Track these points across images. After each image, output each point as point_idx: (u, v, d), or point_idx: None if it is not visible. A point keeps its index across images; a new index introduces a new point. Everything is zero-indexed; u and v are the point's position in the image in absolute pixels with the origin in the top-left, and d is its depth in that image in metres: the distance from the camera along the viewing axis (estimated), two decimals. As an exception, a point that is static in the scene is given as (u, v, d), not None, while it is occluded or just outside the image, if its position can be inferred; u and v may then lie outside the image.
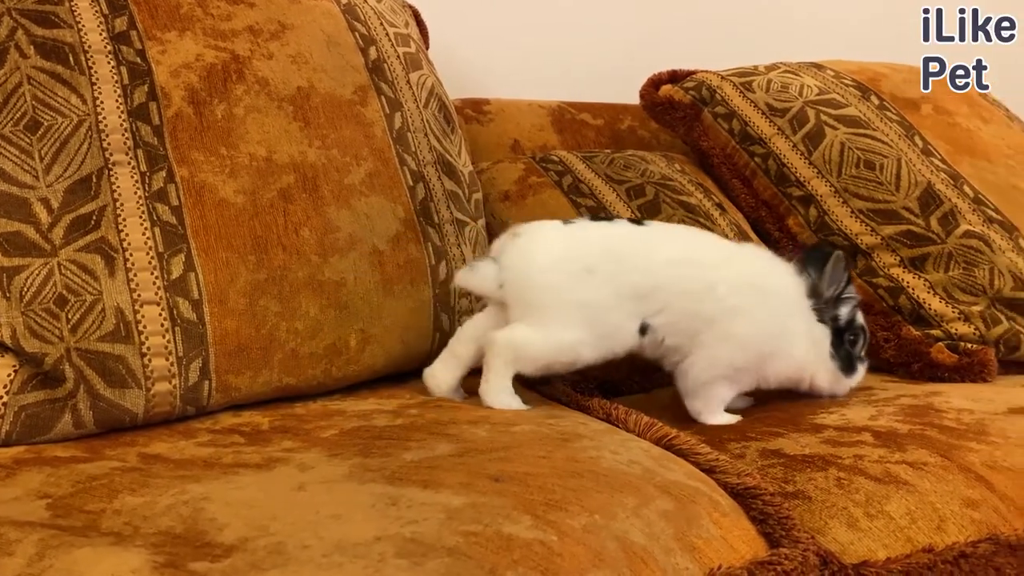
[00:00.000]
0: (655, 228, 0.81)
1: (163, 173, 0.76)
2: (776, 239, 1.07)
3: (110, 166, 0.75)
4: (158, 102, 0.79)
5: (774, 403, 0.83)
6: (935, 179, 1.03)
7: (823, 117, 1.07)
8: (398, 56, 0.96)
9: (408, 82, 0.95)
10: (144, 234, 0.73)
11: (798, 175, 1.06)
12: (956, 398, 0.79)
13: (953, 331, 0.95)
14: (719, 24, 1.53)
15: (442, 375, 0.78)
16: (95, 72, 0.78)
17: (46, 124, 0.74)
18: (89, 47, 0.79)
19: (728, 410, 0.80)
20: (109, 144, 0.76)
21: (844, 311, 0.81)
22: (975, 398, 0.79)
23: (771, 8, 1.58)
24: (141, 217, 0.74)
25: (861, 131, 1.06)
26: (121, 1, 0.83)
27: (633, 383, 0.93)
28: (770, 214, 1.08)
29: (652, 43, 1.46)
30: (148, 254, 0.73)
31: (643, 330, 0.76)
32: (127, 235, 0.73)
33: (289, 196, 0.80)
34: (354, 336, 0.80)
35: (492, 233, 1.02)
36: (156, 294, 0.72)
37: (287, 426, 0.70)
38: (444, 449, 0.60)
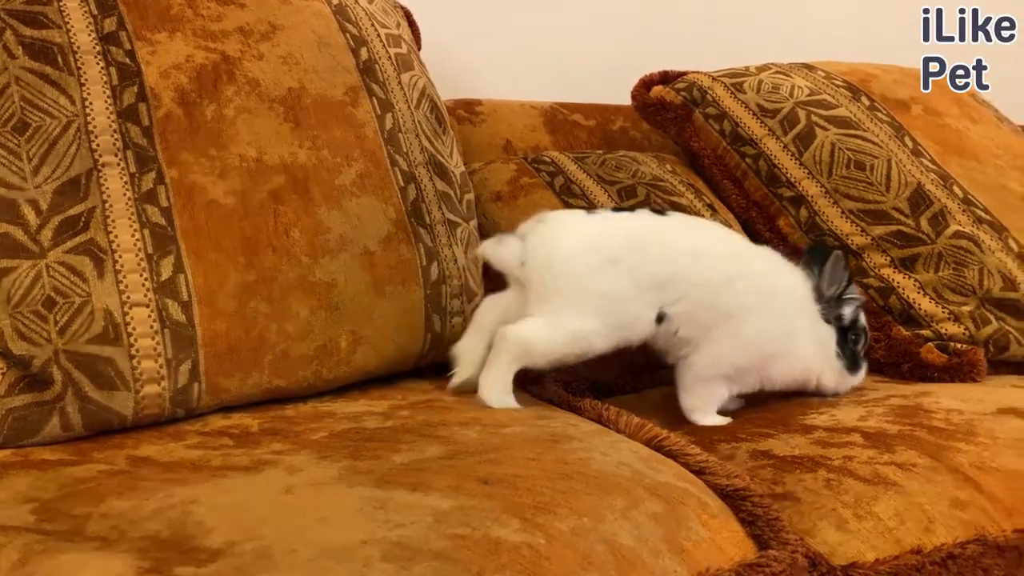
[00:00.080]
0: (676, 218, 0.82)
1: (153, 174, 0.76)
2: (767, 240, 1.07)
3: (99, 167, 0.75)
4: (148, 103, 0.79)
5: (764, 404, 0.83)
6: (925, 179, 1.03)
7: (814, 118, 1.08)
8: (389, 57, 0.96)
9: (399, 83, 0.95)
10: (133, 235, 0.73)
11: (789, 176, 1.06)
12: (946, 398, 0.79)
13: (943, 331, 0.95)
14: (712, 25, 1.53)
15: (472, 350, 0.78)
16: (84, 73, 0.78)
17: (34, 125, 0.73)
18: (78, 48, 0.78)
19: (720, 412, 0.80)
20: (98, 145, 0.75)
21: (848, 311, 0.82)
22: (964, 398, 0.79)
23: (764, 9, 1.58)
24: (130, 218, 0.74)
25: (851, 132, 1.07)
26: (111, 1, 0.82)
27: (624, 383, 0.93)
28: (761, 215, 1.08)
29: (644, 44, 1.46)
30: (137, 255, 0.73)
31: (660, 319, 0.76)
32: (116, 236, 0.72)
33: (279, 197, 0.80)
34: (345, 337, 0.79)
35: (484, 234, 1.02)
36: (145, 296, 0.71)
37: (277, 428, 0.69)
38: (434, 451, 0.60)
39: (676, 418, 0.81)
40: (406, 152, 0.90)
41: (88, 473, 0.58)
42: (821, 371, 0.82)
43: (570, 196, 1.04)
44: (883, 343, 0.96)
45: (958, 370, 0.90)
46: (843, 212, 1.02)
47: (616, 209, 0.81)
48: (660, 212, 0.82)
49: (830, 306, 0.81)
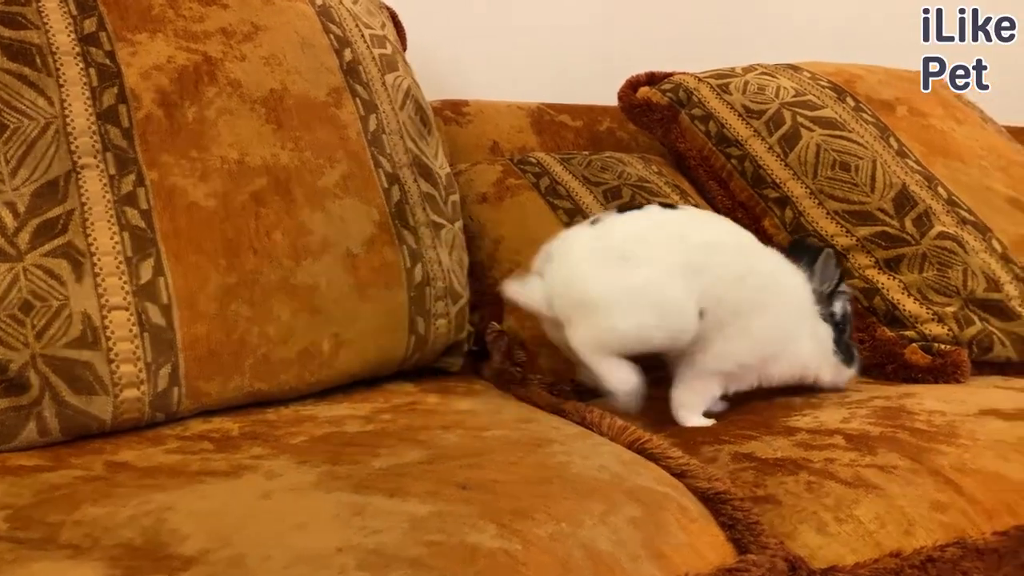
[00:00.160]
0: (688, 212, 0.81)
1: (132, 176, 0.76)
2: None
3: (78, 169, 0.74)
4: (128, 104, 0.78)
5: (748, 405, 0.83)
6: (910, 180, 1.04)
7: (799, 119, 1.08)
8: (373, 58, 0.96)
9: (384, 84, 0.95)
10: (112, 238, 0.72)
11: (774, 177, 1.06)
12: (929, 400, 0.79)
13: (927, 332, 0.96)
14: (702, 25, 1.53)
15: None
16: (63, 74, 0.77)
17: (12, 127, 0.73)
18: (57, 49, 0.78)
19: (705, 414, 0.80)
20: (77, 147, 0.75)
21: (838, 306, 0.84)
22: (947, 399, 0.80)
23: (753, 9, 1.58)
24: (109, 221, 0.73)
25: (837, 133, 1.07)
26: (91, 2, 0.82)
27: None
28: (746, 215, 1.08)
29: (633, 45, 1.46)
30: (116, 259, 0.72)
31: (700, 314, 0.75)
32: (95, 239, 0.72)
33: (261, 199, 0.79)
34: (327, 341, 0.79)
35: (470, 235, 1.02)
36: (124, 299, 0.71)
37: (257, 432, 0.69)
38: (414, 456, 0.60)
39: (660, 420, 0.81)
40: (390, 153, 0.90)
41: (64, 479, 0.58)
42: (818, 367, 0.83)
43: (555, 197, 1.04)
44: (868, 344, 0.96)
45: (942, 371, 0.90)
46: (828, 213, 1.02)
47: (622, 209, 0.80)
48: (671, 206, 0.81)
49: (824, 303, 0.83)
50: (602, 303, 0.74)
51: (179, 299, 0.73)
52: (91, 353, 0.68)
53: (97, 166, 0.75)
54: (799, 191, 1.04)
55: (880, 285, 0.99)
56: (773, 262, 0.82)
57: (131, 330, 0.70)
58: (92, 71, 0.78)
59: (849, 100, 1.12)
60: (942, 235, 0.99)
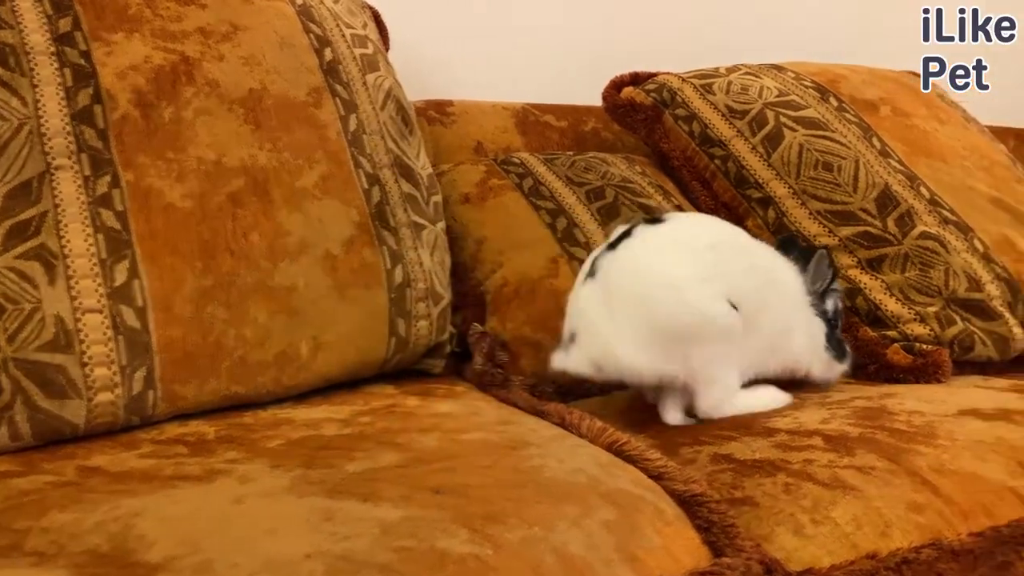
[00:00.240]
0: (676, 219, 0.80)
1: (108, 178, 0.75)
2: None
3: (52, 171, 0.73)
4: (103, 105, 0.77)
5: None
6: (892, 180, 1.04)
7: (782, 119, 1.08)
8: (354, 57, 0.95)
9: (364, 84, 0.94)
10: (87, 240, 0.72)
11: (757, 177, 1.06)
12: (909, 400, 0.79)
13: (909, 332, 0.96)
14: (688, 25, 1.53)
15: None
16: (37, 74, 0.76)
17: (-16, 128, 0.72)
18: (31, 48, 0.77)
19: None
20: (51, 148, 0.74)
21: (830, 303, 0.85)
22: (928, 400, 0.80)
23: (749, 9, 1.57)
24: (84, 223, 0.72)
25: (820, 133, 1.07)
26: (66, 2, 0.81)
27: (591, 386, 0.92)
28: (729, 216, 1.07)
29: (618, 44, 1.46)
30: (90, 261, 0.71)
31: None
32: (68, 241, 0.71)
33: (238, 200, 0.79)
34: (305, 343, 0.78)
35: (452, 236, 1.02)
36: (99, 302, 0.70)
37: (233, 436, 0.68)
38: (389, 459, 0.59)
39: (642, 421, 0.81)
40: (370, 154, 0.89)
41: (34, 485, 0.57)
42: (810, 362, 0.84)
43: (538, 198, 1.03)
44: (850, 344, 0.95)
45: (923, 371, 0.91)
46: (811, 213, 1.02)
47: (611, 246, 0.79)
48: (657, 220, 0.80)
49: (817, 300, 0.84)
50: (684, 330, 0.73)
51: (154, 301, 0.72)
52: (64, 356, 0.67)
53: (72, 167, 0.74)
54: (782, 191, 1.04)
55: (862, 285, 0.99)
56: (769, 258, 0.83)
57: (105, 333, 0.69)
58: (67, 71, 0.77)
59: (832, 100, 1.12)
60: (924, 235, 1.00)
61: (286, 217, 0.80)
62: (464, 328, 0.96)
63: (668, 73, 1.19)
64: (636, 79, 1.21)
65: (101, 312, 0.70)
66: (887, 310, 0.97)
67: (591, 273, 0.78)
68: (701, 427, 0.76)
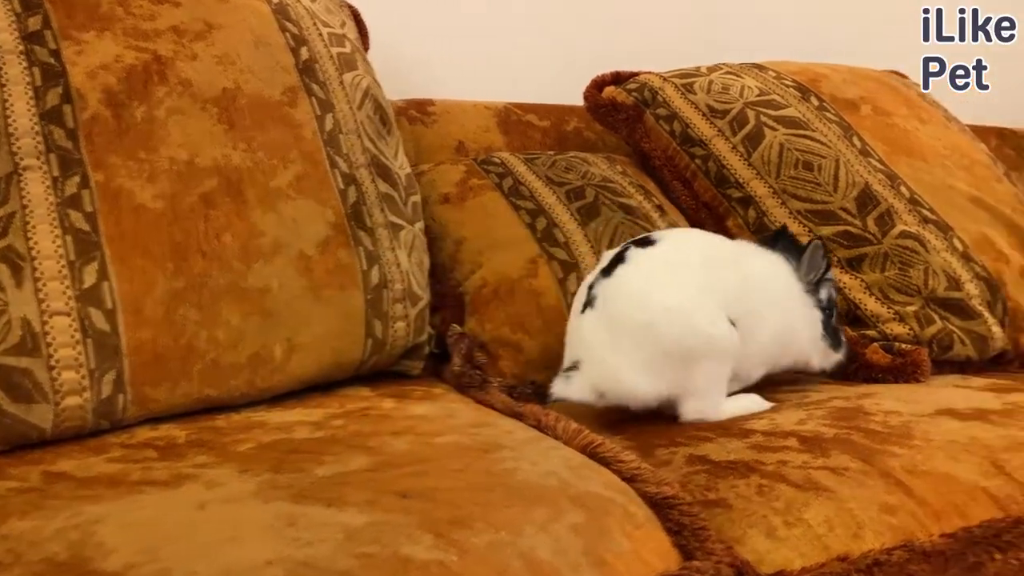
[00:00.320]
0: (661, 244, 0.81)
1: (77, 178, 0.74)
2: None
3: (20, 171, 0.72)
4: (73, 104, 0.76)
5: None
6: (872, 180, 1.04)
7: (763, 118, 1.08)
8: (331, 56, 0.94)
9: (341, 83, 0.93)
10: (55, 242, 0.71)
11: (737, 176, 1.05)
12: (887, 400, 0.79)
13: (888, 331, 0.96)
14: (672, 24, 1.52)
15: None
16: (5, 73, 0.75)
17: (-50, 128, 0.71)
18: (-1, 47, 0.76)
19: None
20: (19, 148, 0.73)
21: (824, 293, 0.86)
22: (906, 399, 0.80)
23: (735, 8, 1.57)
24: (52, 224, 0.71)
25: (800, 132, 1.07)
26: (36, 0, 0.80)
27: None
28: (710, 216, 1.07)
29: (602, 44, 1.45)
30: (59, 263, 0.70)
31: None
32: (36, 243, 0.70)
33: (211, 201, 0.78)
34: (279, 345, 0.78)
35: (431, 236, 1.01)
36: (67, 304, 0.69)
37: (204, 439, 0.67)
38: (359, 463, 0.58)
39: (618, 421, 0.80)
40: (347, 153, 0.88)
41: (-4, 491, 0.56)
42: (810, 353, 0.86)
43: (518, 198, 1.03)
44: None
45: (902, 370, 0.91)
46: (791, 213, 1.02)
47: (605, 272, 0.79)
48: (648, 242, 0.81)
49: (812, 291, 0.85)
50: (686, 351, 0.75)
51: (124, 303, 0.71)
52: (30, 360, 0.66)
53: (40, 167, 0.73)
54: (762, 191, 1.04)
55: (842, 284, 0.98)
56: (760, 261, 0.84)
57: (73, 336, 0.68)
58: (36, 70, 0.76)
59: (813, 99, 1.12)
60: (904, 234, 1.00)
61: (260, 218, 0.79)
62: (443, 329, 0.96)
63: (650, 72, 1.19)
64: (618, 78, 1.21)
65: (69, 315, 0.69)
66: (867, 309, 0.97)
67: (589, 302, 0.79)
68: (678, 428, 0.76)
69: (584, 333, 0.78)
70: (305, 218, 0.82)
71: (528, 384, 0.90)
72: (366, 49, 1.10)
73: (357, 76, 0.96)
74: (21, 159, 0.72)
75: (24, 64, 0.76)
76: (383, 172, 0.92)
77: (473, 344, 0.92)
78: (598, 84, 1.20)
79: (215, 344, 0.74)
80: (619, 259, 0.79)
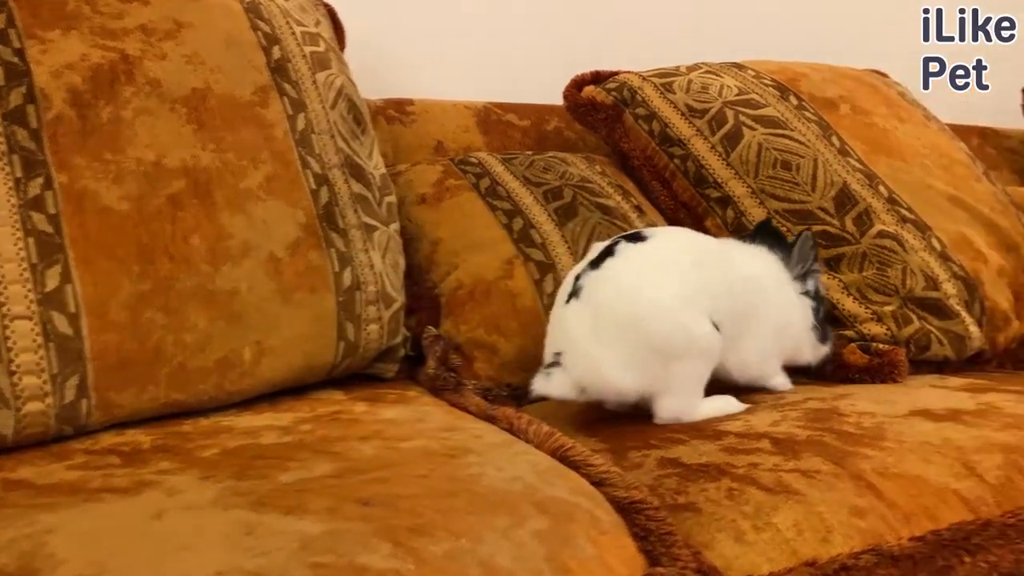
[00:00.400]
0: (652, 241, 0.80)
1: (40, 180, 0.73)
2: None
3: (-19, 173, 0.71)
4: (37, 104, 0.75)
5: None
6: (851, 179, 1.03)
7: (742, 118, 1.07)
8: (304, 55, 0.93)
9: (314, 82, 0.92)
10: (16, 244, 0.69)
11: (716, 176, 1.05)
12: (862, 401, 0.79)
13: (866, 332, 0.95)
14: (655, 23, 1.52)
15: None
16: (-34, 73, 0.74)
17: (-92, 128, 0.69)
18: (-39, 46, 0.75)
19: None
20: (-19, 149, 0.71)
21: (811, 284, 0.87)
22: (881, 400, 0.79)
23: (732, 7, 1.56)
24: (14, 226, 0.70)
25: (779, 131, 1.06)
26: (0, -2, 0.78)
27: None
28: (689, 216, 1.07)
29: (583, 42, 1.44)
30: (20, 266, 0.69)
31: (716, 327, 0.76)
32: (-3, 246, 0.69)
33: (179, 202, 0.77)
34: (249, 348, 0.76)
35: (407, 237, 1.00)
36: (28, 308, 0.68)
37: (169, 445, 0.66)
38: (323, 469, 0.58)
39: (593, 421, 0.80)
40: (319, 154, 0.87)
41: (-50, 500, 0.55)
42: (803, 345, 0.87)
43: (495, 198, 1.02)
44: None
45: (879, 371, 0.90)
46: (769, 213, 1.02)
47: (594, 264, 0.79)
48: (639, 237, 0.80)
49: (801, 283, 0.86)
50: (670, 348, 0.74)
51: (88, 307, 0.70)
52: (-10, 365, 0.65)
53: (2, 169, 0.72)
54: (741, 191, 1.03)
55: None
56: (749, 261, 0.84)
57: (35, 340, 0.67)
58: (-1, 69, 0.75)
59: (792, 98, 1.12)
60: (882, 234, 0.99)
61: (229, 219, 0.78)
62: (419, 331, 0.95)
63: (629, 72, 1.18)
64: (598, 78, 1.20)
65: (31, 319, 0.68)
66: (844, 309, 0.97)
67: (575, 293, 0.78)
68: (652, 430, 0.75)
69: (567, 324, 0.78)
70: (275, 219, 0.81)
71: (504, 386, 0.90)
72: (342, 48, 1.09)
73: (331, 75, 0.95)
74: (-17, 160, 0.71)
75: (-13, 64, 0.75)
76: (357, 172, 0.91)
77: (448, 346, 0.91)
78: (578, 83, 1.19)
79: (182, 348, 0.73)
80: (608, 252, 0.79)
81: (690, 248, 0.81)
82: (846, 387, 0.88)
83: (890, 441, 0.66)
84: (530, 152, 1.14)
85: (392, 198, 0.96)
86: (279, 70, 0.89)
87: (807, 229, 0.94)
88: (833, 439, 0.67)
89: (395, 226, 0.94)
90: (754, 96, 1.10)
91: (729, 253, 0.84)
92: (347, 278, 0.84)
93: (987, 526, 0.58)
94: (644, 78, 1.15)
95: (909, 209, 1.03)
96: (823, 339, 0.88)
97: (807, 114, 1.10)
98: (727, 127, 1.07)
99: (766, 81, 1.14)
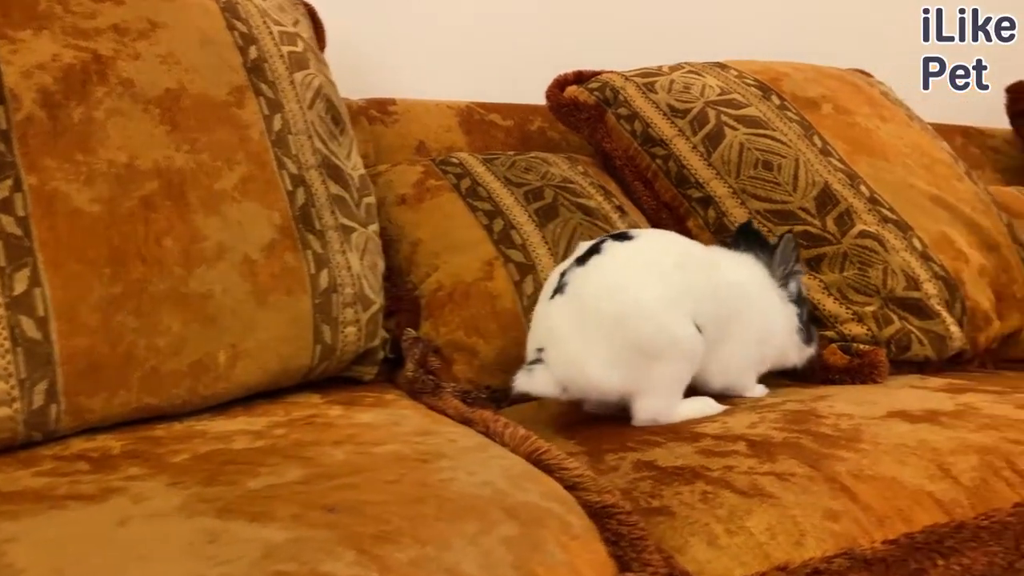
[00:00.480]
0: (637, 241, 0.80)
1: (9, 182, 0.72)
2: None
3: (-52, 175, 0.70)
4: (6, 105, 0.74)
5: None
6: (832, 179, 1.03)
7: (723, 118, 1.07)
8: (281, 55, 0.92)
9: (292, 82, 0.91)
10: (-16, 248, 0.69)
11: (697, 176, 1.05)
12: (840, 402, 0.79)
13: (846, 332, 0.95)
14: (640, 23, 1.51)
15: None
16: (-66, 73, 0.73)
17: None
18: (-71, 46, 0.73)
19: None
20: (-52, 151, 0.70)
21: (793, 286, 0.87)
22: (859, 401, 0.79)
23: (729, 7, 1.55)
24: (-19, 229, 0.69)
25: (760, 131, 1.06)
26: (-30, -3, 0.77)
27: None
28: (671, 216, 1.06)
29: (567, 42, 1.44)
30: (-12, 269, 0.68)
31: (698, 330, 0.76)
32: (-36, 249, 0.68)
33: (152, 204, 0.76)
34: (223, 351, 0.76)
35: (388, 238, 0.99)
36: (-5, 312, 0.67)
37: (139, 451, 0.66)
38: (293, 475, 0.57)
39: (571, 423, 0.79)
40: (296, 154, 0.87)
41: (-88, 508, 0.54)
42: (789, 349, 0.86)
43: (476, 199, 1.01)
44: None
45: (859, 371, 0.90)
46: (750, 213, 1.01)
47: (580, 261, 0.78)
48: (625, 236, 0.80)
49: (783, 285, 0.86)
50: (655, 348, 0.74)
51: (57, 311, 0.69)
52: (-44, 370, 0.64)
53: (-30, 171, 0.71)
54: (722, 191, 1.03)
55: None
56: (733, 264, 0.84)
57: (2, 345, 0.66)
58: (-33, 70, 0.74)
59: (774, 98, 1.11)
60: (863, 234, 0.99)
61: (203, 221, 0.77)
62: (398, 333, 0.94)
63: (612, 72, 1.18)
64: (580, 78, 1.19)
65: (-2, 323, 0.67)
66: (825, 310, 0.97)
67: (559, 289, 0.77)
68: (630, 432, 0.75)
69: (551, 320, 0.77)
70: (250, 221, 0.80)
71: (483, 389, 0.89)
72: (322, 48, 1.08)
73: (308, 75, 0.94)
74: (-50, 162, 0.70)
75: (-45, 64, 0.74)
76: (334, 173, 0.90)
77: (427, 348, 0.91)
78: (560, 83, 1.18)
79: (155, 351, 0.72)
80: (595, 250, 0.79)
81: (675, 251, 0.81)
82: (826, 388, 0.88)
83: (866, 443, 0.66)
84: (512, 152, 1.14)
85: (371, 199, 0.95)
86: (255, 70, 0.88)
87: (789, 231, 0.94)
88: (809, 441, 0.67)
89: (374, 227, 0.93)
90: (736, 96, 1.10)
91: (715, 258, 0.84)
92: (324, 280, 0.83)
93: (961, 528, 0.57)
94: (627, 78, 1.15)
95: (891, 209, 1.03)
96: (808, 340, 0.88)
97: (789, 114, 1.10)
98: (709, 127, 1.06)
99: (748, 81, 1.13)
